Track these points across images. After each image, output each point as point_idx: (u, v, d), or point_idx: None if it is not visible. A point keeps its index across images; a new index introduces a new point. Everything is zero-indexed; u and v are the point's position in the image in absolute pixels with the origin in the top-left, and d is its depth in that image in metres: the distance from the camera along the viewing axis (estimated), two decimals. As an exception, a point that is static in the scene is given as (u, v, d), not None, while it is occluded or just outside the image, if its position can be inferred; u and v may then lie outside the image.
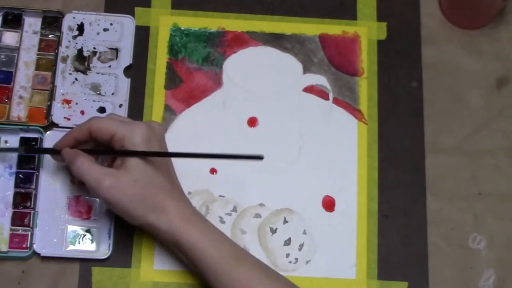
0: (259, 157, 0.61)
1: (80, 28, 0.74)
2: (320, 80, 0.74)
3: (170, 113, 0.73)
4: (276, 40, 0.75)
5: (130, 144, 0.62)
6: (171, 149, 0.70)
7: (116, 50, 0.74)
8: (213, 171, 0.71)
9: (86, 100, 0.72)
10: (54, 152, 0.66)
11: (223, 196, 0.70)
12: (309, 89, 0.74)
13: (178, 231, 0.61)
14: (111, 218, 0.69)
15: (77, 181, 0.68)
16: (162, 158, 0.64)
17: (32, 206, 0.68)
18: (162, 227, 0.61)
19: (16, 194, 0.69)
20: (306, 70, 0.74)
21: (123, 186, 0.61)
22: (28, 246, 0.68)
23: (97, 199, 0.69)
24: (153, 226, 0.62)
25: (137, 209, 0.61)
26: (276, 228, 0.70)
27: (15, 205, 0.69)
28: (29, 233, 0.68)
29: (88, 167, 0.61)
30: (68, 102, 0.72)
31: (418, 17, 0.76)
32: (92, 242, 0.68)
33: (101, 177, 0.61)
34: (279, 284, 0.62)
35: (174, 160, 0.71)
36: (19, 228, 0.68)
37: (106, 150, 0.65)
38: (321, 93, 0.74)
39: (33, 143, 0.70)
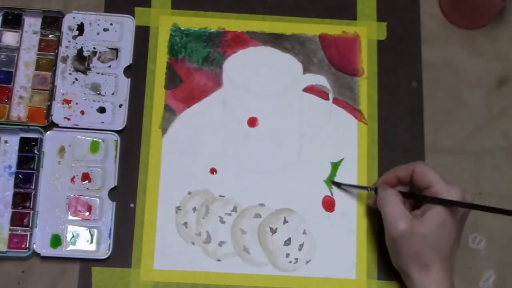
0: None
1: (80, 28, 0.74)
2: (320, 80, 0.74)
3: (170, 113, 0.73)
4: (276, 40, 0.75)
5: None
6: (171, 150, 0.70)
7: (116, 50, 0.74)
8: (213, 171, 0.71)
9: (86, 100, 0.72)
10: (367, 188, 0.69)
11: (223, 196, 0.70)
12: (309, 89, 0.74)
13: None
14: (111, 218, 0.69)
15: None
16: (462, 224, 0.64)
17: (31, 207, 0.68)
18: (417, 284, 0.62)
19: (15, 194, 0.69)
20: (306, 70, 0.74)
21: (411, 237, 0.62)
22: (27, 246, 0.68)
23: (97, 199, 0.69)
24: (409, 276, 0.63)
25: (408, 259, 0.63)
26: (276, 228, 0.70)
27: (15, 205, 0.69)
28: (28, 233, 0.68)
29: (394, 202, 0.63)
30: (68, 102, 0.72)
31: (418, 17, 0.76)
32: (92, 242, 0.68)
33: (399, 218, 0.62)
34: None
35: (174, 160, 0.71)
36: (18, 228, 0.68)
37: (414, 194, 0.66)
38: (321, 93, 0.74)
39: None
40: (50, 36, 0.74)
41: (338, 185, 0.71)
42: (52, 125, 0.71)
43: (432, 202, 0.63)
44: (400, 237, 0.62)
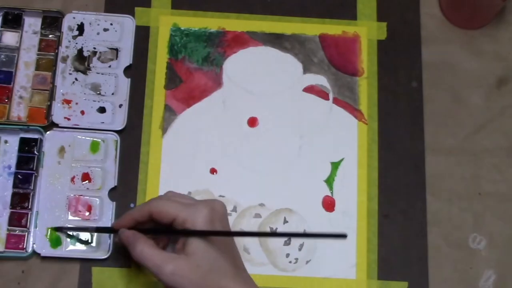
0: (343, 236, 0.57)
1: (80, 28, 0.74)
2: (320, 80, 0.74)
3: (170, 113, 0.73)
4: (276, 40, 0.75)
5: (192, 227, 0.59)
6: (171, 150, 0.70)
7: (116, 50, 0.74)
8: (213, 171, 0.71)
9: (86, 100, 0.72)
10: (113, 231, 0.65)
11: (223, 196, 0.70)
12: (309, 89, 0.74)
13: None
14: (111, 218, 0.69)
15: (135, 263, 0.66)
16: (225, 238, 0.61)
17: (29, 207, 0.68)
18: None
19: (14, 195, 0.69)
20: (306, 70, 0.74)
21: (185, 272, 0.58)
22: (25, 246, 0.67)
23: (97, 199, 0.69)
24: None
25: None
26: (276, 228, 0.70)
27: (13, 205, 0.69)
28: (26, 233, 0.68)
29: (149, 254, 0.59)
30: (68, 102, 0.72)
31: (418, 17, 0.76)
32: (92, 242, 0.68)
33: (162, 263, 0.58)
34: None
35: (174, 160, 0.71)
36: (16, 228, 0.68)
37: (166, 230, 0.62)
38: (321, 93, 0.74)
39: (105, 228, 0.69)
40: (50, 36, 0.74)
41: (60, 229, 0.68)
42: (52, 125, 0.71)
43: (176, 235, 0.60)
44: (173, 278, 0.58)
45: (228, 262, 0.59)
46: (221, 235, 0.60)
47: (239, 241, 0.69)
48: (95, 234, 0.68)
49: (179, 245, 0.60)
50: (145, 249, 0.59)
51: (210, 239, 0.59)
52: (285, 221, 0.70)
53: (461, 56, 0.75)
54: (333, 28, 0.76)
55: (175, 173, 0.71)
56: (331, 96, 0.74)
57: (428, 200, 0.71)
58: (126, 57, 0.73)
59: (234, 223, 0.70)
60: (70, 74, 0.73)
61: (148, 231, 0.62)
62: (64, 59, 0.73)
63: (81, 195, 0.69)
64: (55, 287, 0.67)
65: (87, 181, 0.70)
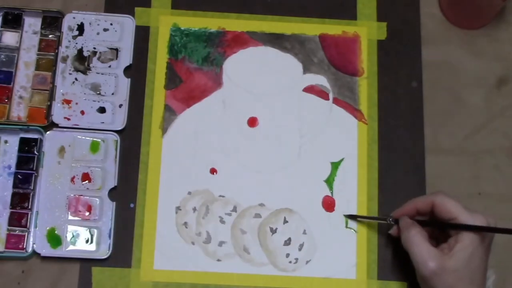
0: None
1: (80, 28, 0.74)
2: (320, 80, 0.74)
3: (170, 113, 0.72)
4: (276, 40, 0.75)
5: (467, 233, 0.61)
6: (171, 150, 0.70)
7: (116, 50, 0.74)
8: (213, 171, 0.71)
9: (86, 100, 0.72)
10: (386, 220, 0.67)
11: (223, 196, 0.70)
12: (309, 89, 0.74)
13: None
14: (111, 218, 0.69)
15: None
16: (489, 249, 0.63)
17: (29, 207, 0.68)
18: None
19: (14, 195, 0.69)
20: (306, 70, 0.74)
21: (442, 274, 0.61)
22: (25, 246, 0.67)
23: (97, 199, 0.69)
24: None
25: None
26: (276, 228, 0.70)
27: (13, 205, 0.69)
28: (26, 233, 0.68)
29: (420, 242, 0.62)
30: (68, 102, 0.72)
31: (418, 17, 0.76)
32: (92, 242, 0.68)
33: (429, 257, 0.61)
34: None
35: (173, 160, 0.71)
36: (16, 228, 0.68)
37: (442, 222, 0.64)
38: (321, 93, 0.74)
39: None
40: (50, 36, 0.74)
41: (354, 217, 0.70)
42: (52, 125, 0.71)
43: (458, 229, 0.62)
44: (431, 275, 0.61)
45: (482, 272, 0.62)
46: (503, 232, 0.61)
47: (239, 241, 0.69)
48: (95, 234, 0.68)
49: (445, 245, 0.63)
50: (418, 236, 0.62)
51: (477, 247, 0.61)
52: (285, 221, 0.70)
53: (461, 56, 0.75)
54: (333, 28, 0.76)
55: (175, 173, 0.71)
56: (331, 96, 0.74)
57: (428, 200, 0.71)
58: (126, 57, 0.73)
59: (234, 223, 0.70)
60: (70, 74, 0.73)
61: (425, 223, 0.64)
62: (64, 59, 0.73)
63: (81, 195, 0.69)
64: (55, 287, 0.67)
65: (87, 181, 0.70)
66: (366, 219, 0.70)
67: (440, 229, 0.65)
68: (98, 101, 0.72)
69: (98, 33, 0.74)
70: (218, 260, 0.69)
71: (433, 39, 0.76)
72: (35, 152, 0.70)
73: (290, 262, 0.69)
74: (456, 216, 0.62)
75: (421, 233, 0.63)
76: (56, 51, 0.73)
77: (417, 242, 0.62)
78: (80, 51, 0.73)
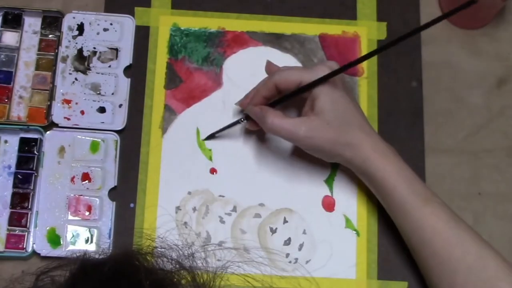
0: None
1: (80, 28, 0.74)
2: (320, 80, 0.74)
3: (170, 113, 0.72)
4: (276, 40, 0.75)
5: (318, 88, 0.63)
6: (171, 150, 0.70)
7: (116, 50, 0.74)
8: (213, 171, 0.71)
9: (86, 100, 0.72)
10: (239, 121, 0.68)
11: (223, 196, 0.70)
12: (309, 89, 0.74)
13: (373, 165, 0.63)
14: (111, 218, 0.69)
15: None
16: (349, 95, 0.65)
17: (29, 207, 0.68)
18: (356, 161, 0.64)
19: (14, 194, 0.69)
20: (306, 70, 0.74)
21: (317, 132, 0.62)
22: (25, 246, 0.67)
23: (97, 199, 0.69)
24: (348, 161, 0.65)
25: (334, 150, 0.63)
26: (276, 228, 0.70)
27: (13, 205, 0.69)
28: (26, 233, 0.68)
29: (281, 122, 0.63)
30: (68, 102, 0.72)
31: (418, 17, 0.76)
32: (92, 242, 0.68)
33: (295, 128, 0.62)
34: (464, 226, 0.63)
35: (173, 160, 0.71)
36: (16, 228, 0.68)
37: (289, 93, 0.65)
38: (321, 93, 0.74)
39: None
40: (50, 36, 0.74)
41: (211, 136, 0.71)
42: (52, 125, 0.71)
43: (306, 90, 0.63)
44: (309, 140, 0.62)
45: (355, 113, 0.64)
46: (345, 69, 0.62)
47: (239, 241, 0.69)
48: (95, 234, 0.68)
49: (306, 108, 0.64)
50: (276, 119, 0.63)
51: (335, 96, 0.63)
52: (285, 221, 0.70)
53: (461, 56, 0.75)
54: (333, 28, 0.76)
55: (175, 173, 0.71)
56: (331, 96, 0.74)
57: (428, 200, 0.71)
58: (126, 57, 0.73)
59: (234, 223, 0.70)
60: (70, 74, 0.73)
61: (274, 103, 0.65)
62: (64, 59, 0.73)
63: (81, 195, 0.69)
64: (55, 287, 0.67)
65: (87, 181, 0.70)
66: (221, 131, 0.70)
67: (292, 98, 0.65)
68: (98, 101, 0.72)
69: (98, 33, 0.74)
70: (218, 260, 0.69)
71: (433, 39, 0.76)
72: (35, 152, 0.70)
73: (290, 262, 0.69)
74: (300, 80, 0.63)
75: (276, 114, 0.63)
76: (56, 51, 0.73)
77: (277, 123, 0.63)
78: (80, 51, 0.73)
